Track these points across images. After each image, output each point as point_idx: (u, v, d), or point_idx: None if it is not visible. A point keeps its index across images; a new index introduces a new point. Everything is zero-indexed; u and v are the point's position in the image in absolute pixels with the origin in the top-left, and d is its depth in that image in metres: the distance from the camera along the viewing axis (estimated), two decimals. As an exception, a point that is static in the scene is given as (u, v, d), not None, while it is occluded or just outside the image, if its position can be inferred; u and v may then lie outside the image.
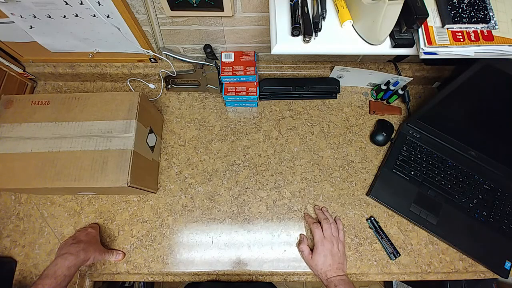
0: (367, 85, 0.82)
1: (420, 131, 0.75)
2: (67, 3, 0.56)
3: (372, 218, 0.69)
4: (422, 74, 0.78)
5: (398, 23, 0.44)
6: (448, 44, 0.44)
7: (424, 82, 0.82)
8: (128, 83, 0.82)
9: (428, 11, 0.43)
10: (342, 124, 0.79)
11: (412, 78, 0.73)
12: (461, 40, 0.44)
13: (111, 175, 0.56)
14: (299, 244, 0.67)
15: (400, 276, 0.66)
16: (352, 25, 0.49)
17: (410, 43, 0.47)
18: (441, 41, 0.44)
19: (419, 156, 0.73)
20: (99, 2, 0.56)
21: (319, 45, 0.48)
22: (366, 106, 0.81)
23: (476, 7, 0.43)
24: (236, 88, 0.75)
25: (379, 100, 0.81)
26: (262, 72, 0.79)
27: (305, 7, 0.48)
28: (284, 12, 0.49)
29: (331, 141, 0.77)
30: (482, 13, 0.43)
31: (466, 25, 0.43)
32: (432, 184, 0.71)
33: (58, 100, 0.62)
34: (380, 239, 0.67)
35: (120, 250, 0.66)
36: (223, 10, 0.58)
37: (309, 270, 0.65)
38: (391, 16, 0.42)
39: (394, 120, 0.79)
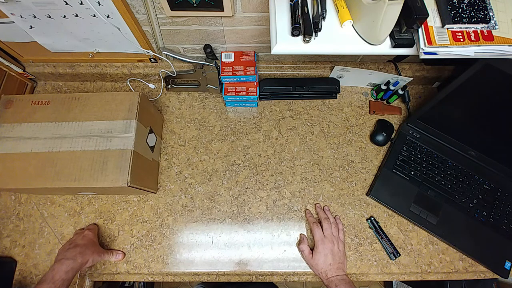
0: (367, 85, 0.82)
1: (420, 131, 0.75)
2: (67, 3, 0.56)
3: (372, 218, 0.69)
4: (422, 74, 0.78)
5: (398, 23, 0.44)
6: (448, 44, 0.44)
7: (424, 82, 0.82)
8: (128, 83, 0.82)
9: (428, 11, 0.43)
10: (342, 124, 0.79)
11: (412, 78, 0.73)
12: (461, 40, 0.44)
13: (111, 175, 0.56)
14: (299, 243, 0.67)
15: (400, 276, 0.66)
16: (352, 25, 0.49)
17: (410, 43, 0.47)
18: (441, 41, 0.44)
19: (419, 156, 0.73)
20: (99, 2, 0.56)
21: (319, 45, 0.48)
22: (366, 106, 0.81)
23: (476, 7, 0.43)
24: (236, 88, 0.75)
25: (379, 100, 0.81)
26: (262, 72, 0.79)
27: (305, 7, 0.48)
28: (284, 12, 0.49)
29: (331, 141, 0.77)
30: (482, 13, 0.43)
31: (466, 25, 0.43)
32: (432, 184, 0.71)
33: (58, 100, 0.62)
34: (380, 239, 0.67)
35: (120, 250, 0.66)
36: (223, 10, 0.58)
37: (309, 270, 0.65)
38: (391, 16, 0.42)
39: (394, 120, 0.79)
